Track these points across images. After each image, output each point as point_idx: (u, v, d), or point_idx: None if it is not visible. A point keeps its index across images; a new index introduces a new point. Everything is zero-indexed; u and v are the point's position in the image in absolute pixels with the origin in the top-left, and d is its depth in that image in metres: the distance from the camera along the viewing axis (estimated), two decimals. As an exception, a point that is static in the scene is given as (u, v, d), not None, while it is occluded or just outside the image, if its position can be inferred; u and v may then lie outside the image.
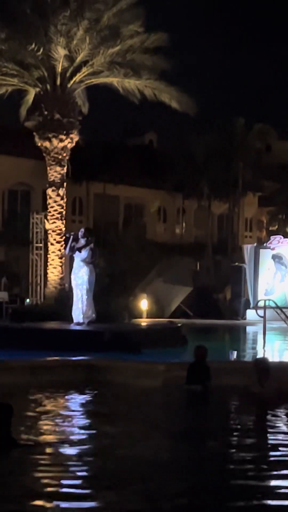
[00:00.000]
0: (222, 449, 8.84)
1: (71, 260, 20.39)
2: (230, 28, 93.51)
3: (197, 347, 13.67)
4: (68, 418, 10.79)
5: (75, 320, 19.65)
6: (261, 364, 12.51)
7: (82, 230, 19.99)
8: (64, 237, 25.85)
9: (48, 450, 8.52)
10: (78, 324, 19.45)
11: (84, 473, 7.61)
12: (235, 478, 7.50)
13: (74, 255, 19.69)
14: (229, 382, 13.25)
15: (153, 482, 7.19)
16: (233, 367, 14.78)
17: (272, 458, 8.46)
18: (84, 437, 9.42)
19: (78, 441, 9.10)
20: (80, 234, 19.67)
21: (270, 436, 9.69)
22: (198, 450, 8.83)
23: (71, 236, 19.81)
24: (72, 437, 9.43)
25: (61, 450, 8.59)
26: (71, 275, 20.05)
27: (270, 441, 9.45)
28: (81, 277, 19.44)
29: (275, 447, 8.92)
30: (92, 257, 19.47)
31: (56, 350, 15.89)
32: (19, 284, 34.70)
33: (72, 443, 8.98)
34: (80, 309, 19.51)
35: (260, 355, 18.24)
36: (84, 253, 19.41)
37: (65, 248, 21.60)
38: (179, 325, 22.29)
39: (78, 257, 19.48)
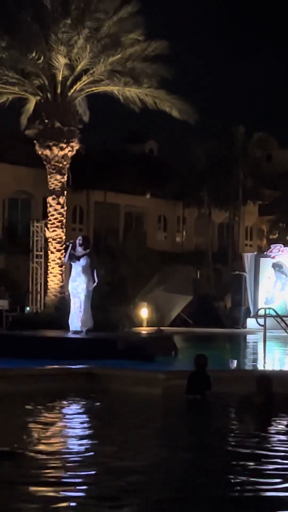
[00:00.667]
0: (220, 461, 8.76)
1: (70, 268, 20.35)
2: (231, 36, 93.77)
3: (198, 356, 13.62)
4: (66, 427, 10.73)
5: (71, 329, 19.56)
6: (264, 381, 12.46)
7: (80, 238, 19.95)
8: (64, 245, 25.83)
9: (41, 462, 8.28)
10: (76, 332, 19.36)
11: (80, 493, 7.26)
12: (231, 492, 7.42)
13: (72, 263, 19.63)
14: (229, 390, 13.23)
15: (150, 497, 7.04)
16: (234, 375, 14.74)
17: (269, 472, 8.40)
18: (81, 448, 9.29)
19: (74, 452, 8.98)
20: (78, 242, 19.63)
21: (269, 452, 9.55)
22: (197, 462, 8.75)
23: (71, 245, 19.77)
24: (68, 448, 9.32)
25: (55, 462, 8.35)
26: (69, 283, 19.99)
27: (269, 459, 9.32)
28: (79, 285, 19.39)
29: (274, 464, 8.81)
30: (90, 265, 19.43)
31: (66, 359, 15.79)
32: (19, 292, 34.64)
33: (68, 455, 8.82)
34: (78, 318, 19.45)
35: (260, 363, 18.21)
36: (83, 261, 19.38)
37: (64, 257, 21.55)
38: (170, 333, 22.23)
39: (77, 265, 19.43)
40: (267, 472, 8.16)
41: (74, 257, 19.42)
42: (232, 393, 13.11)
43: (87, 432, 10.50)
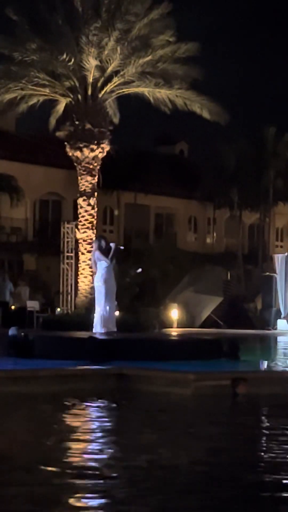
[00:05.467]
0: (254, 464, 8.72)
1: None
2: (261, 37, 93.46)
3: None
4: (95, 431, 10.64)
5: (98, 329, 19.24)
6: None
7: (103, 238, 19.95)
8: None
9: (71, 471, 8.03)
10: (109, 333, 19.17)
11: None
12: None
13: (101, 263, 19.36)
14: (261, 391, 13.21)
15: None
16: (265, 376, 14.71)
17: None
18: (108, 455, 9.03)
19: (100, 458, 8.83)
20: (103, 242, 19.57)
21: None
22: (232, 465, 8.67)
23: (114, 245, 19.62)
24: (94, 453, 9.09)
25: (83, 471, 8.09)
26: (99, 283, 19.59)
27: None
28: (112, 285, 19.38)
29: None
30: (115, 265, 19.55)
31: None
32: (50, 293, 34.77)
33: (94, 461, 8.60)
34: (112, 317, 19.41)
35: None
36: (114, 262, 19.42)
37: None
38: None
39: (109, 265, 19.32)
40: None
41: (114, 257, 19.37)
42: (264, 394, 13.09)
43: (113, 437, 10.24)
